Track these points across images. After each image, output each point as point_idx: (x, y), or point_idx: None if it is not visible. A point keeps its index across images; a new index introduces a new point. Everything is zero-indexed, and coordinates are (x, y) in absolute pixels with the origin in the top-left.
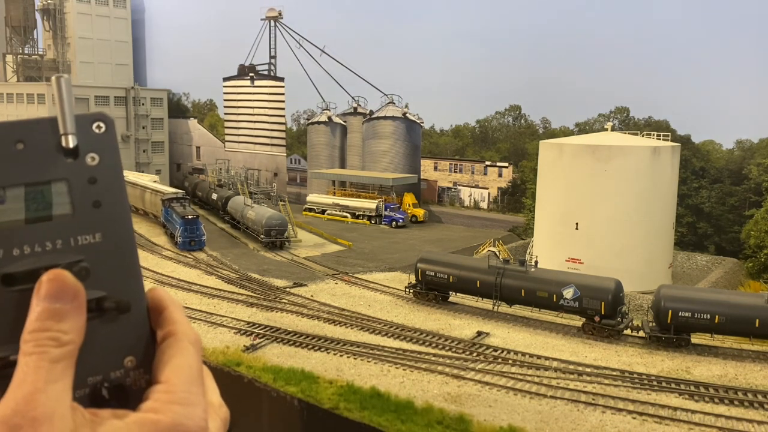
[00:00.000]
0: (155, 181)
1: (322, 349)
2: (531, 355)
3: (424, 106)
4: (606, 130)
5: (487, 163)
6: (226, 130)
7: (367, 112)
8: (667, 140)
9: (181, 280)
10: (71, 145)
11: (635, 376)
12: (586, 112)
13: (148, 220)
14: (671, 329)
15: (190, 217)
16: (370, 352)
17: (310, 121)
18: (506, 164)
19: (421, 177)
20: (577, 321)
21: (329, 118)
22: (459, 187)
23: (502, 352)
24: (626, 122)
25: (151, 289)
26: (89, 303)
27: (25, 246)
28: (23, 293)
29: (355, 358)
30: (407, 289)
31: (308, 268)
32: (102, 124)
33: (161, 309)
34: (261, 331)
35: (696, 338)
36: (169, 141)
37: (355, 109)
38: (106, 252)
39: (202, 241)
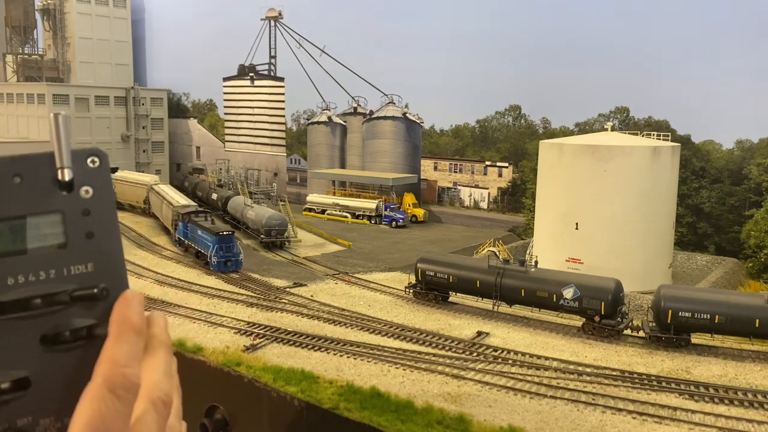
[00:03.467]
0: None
1: (322, 349)
2: (531, 355)
3: (424, 106)
4: (606, 130)
5: (487, 163)
6: (226, 130)
7: (367, 112)
8: (667, 140)
9: (181, 280)
10: (67, 178)
11: (635, 376)
12: (586, 112)
13: (150, 221)
14: (671, 329)
15: (225, 233)
16: (370, 352)
17: (310, 121)
18: (506, 164)
19: (421, 177)
20: (577, 321)
21: (329, 118)
22: (459, 187)
23: (502, 352)
24: (626, 122)
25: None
26: (80, 331)
27: (19, 275)
28: (14, 322)
29: (355, 358)
30: (407, 289)
31: (308, 268)
32: (96, 159)
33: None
34: (261, 331)
35: (696, 338)
36: (169, 141)
37: (355, 109)
38: (96, 281)
39: (239, 261)
